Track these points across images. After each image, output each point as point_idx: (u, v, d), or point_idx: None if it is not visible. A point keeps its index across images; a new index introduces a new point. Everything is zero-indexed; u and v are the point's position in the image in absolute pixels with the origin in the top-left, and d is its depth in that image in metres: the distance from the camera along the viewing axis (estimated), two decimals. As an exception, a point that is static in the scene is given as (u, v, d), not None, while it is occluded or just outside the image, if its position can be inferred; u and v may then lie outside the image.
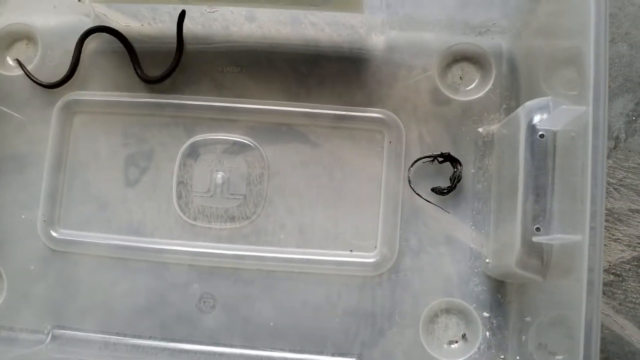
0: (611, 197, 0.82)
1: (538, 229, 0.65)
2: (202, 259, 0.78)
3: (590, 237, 0.57)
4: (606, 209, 0.75)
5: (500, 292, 0.76)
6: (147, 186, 0.80)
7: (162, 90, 0.81)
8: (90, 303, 0.79)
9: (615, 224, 0.82)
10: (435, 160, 0.78)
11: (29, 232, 0.80)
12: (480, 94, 0.80)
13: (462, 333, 0.77)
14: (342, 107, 0.80)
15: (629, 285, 0.81)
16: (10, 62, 0.83)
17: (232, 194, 0.79)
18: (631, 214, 0.82)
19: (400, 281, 0.77)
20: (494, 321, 0.76)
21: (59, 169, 0.81)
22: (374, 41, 0.81)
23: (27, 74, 0.81)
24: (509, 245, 0.68)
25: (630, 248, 0.81)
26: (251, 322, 0.78)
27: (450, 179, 0.78)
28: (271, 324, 0.77)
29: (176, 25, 0.80)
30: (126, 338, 0.78)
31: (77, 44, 0.81)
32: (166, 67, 0.81)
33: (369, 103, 0.80)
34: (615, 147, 0.83)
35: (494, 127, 0.78)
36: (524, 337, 0.72)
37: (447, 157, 0.78)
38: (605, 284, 0.80)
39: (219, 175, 0.80)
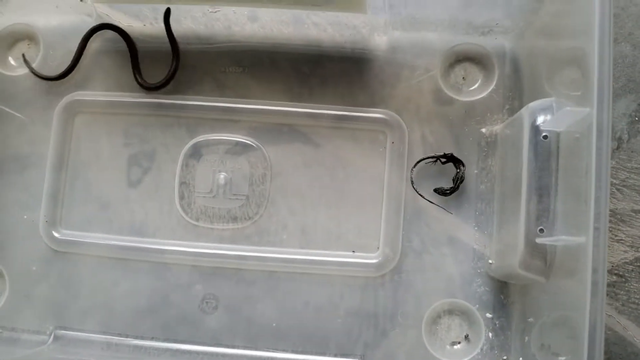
0: (614, 197, 0.82)
1: (541, 230, 0.64)
2: (204, 259, 0.78)
3: (594, 238, 0.57)
4: (609, 210, 0.75)
5: (503, 293, 0.76)
6: (150, 186, 0.80)
7: (164, 90, 0.81)
8: (92, 304, 0.78)
9: (618, 225, 0.82)
10: (438, 160, 0.78)
11: (30, 232, 0.80)
12: (483, 95, 0.80)
13: (464, 334, 0.77)
14: (345, 107, 0.80)
15: (631, 286, 0.81)
16: (12, 62, 0.83)
17: (234, 195, 0.79)
18: (634, 214, 0.82)
19: (403, 282, 0.77)
20: (497, 322, 0.76)
21: (60, 169, 0.80)
22: (376, 41, 0.81)
23: (31, 69, 0.81)
24: (512, 246, 0.68)
25: (633, 249, 0.81)
26: (254, 322, 0.77)
27: (453, 180, 0.78)
28: (274, 324, 0.77)
29: (165, 28, 0.80)
30: (128, 339, 0.78)
31: (82, 38, 0.81)
32: (168, 67, 0.80)
33: (371, 103, 0.80)
34: (618, 148, 0.83)
35: (497, 128, 0.78)
36: (526, 338, 0.72)
37: (450, 158, 0.78)
38: (608, 285, 0.79)
39: (222, 175, 0.80)
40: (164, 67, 0.81)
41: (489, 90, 0.80)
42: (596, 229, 0.58)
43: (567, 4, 0.69)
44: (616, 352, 0.80)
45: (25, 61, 0.81)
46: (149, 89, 0.81)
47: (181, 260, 0.78)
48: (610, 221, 0.80)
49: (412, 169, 0.78)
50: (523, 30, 0.79)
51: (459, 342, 0.77)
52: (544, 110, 0.66)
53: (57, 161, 0.80)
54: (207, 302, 0.78)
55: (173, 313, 0.78)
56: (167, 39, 0.81)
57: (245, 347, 0.77)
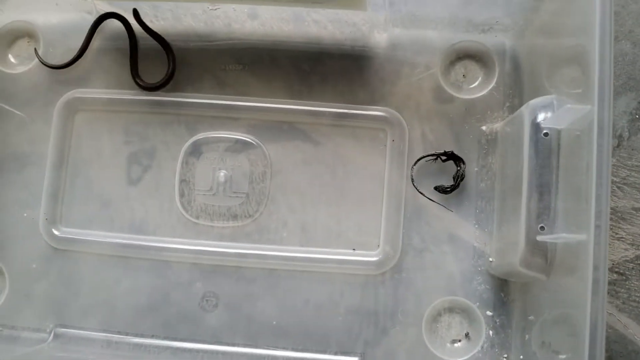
0: (614, 195, 0.82)
1: (542, 228, 0.64)
2: (204, 257, 0.78)
3: (595, 236, 0.57)
4: (610, 208, 0.75)
5: (503, 290, 0.76)
6: (150, 184, 0.80)
7: (164, 88, 0.81)
8: (92, 302, 0.78)
9: (619, 223, 0.82)
10: (439, 158, 0.78)
11: (31, 230, 0.80)
12: (484, 92, 0.80)
13: (465, 332, 0.77)
14: (345, 105, 0.80)
15: (632, 284, 0.81)
16: (12, 59, 0.83)
17: (234, 192, 0.79)
18: (635, 212, 0.82)
19: (403, 280, 0.77)
20: (497, 320, 0.76)
21: (60, 167, 0.80)
22: (376, 39, 0.81)
23: (40, 60, 0.81)
24: (512, 244, 0.68)
25: (634, 247, 0.81)
26: (254, 320, 0.77)
27: (454, 178, 0.78)
28: (274, 322, 0.77)
29: (143, 28, 0.80)
30: (128, 337, 0.78)
31: (90, 28, 0.81)
32: (167, 65, 0.80)
33: (371, 101, 0.80)
34: (618, 146, 0.83)
35: (498, 126, 0.78)
36: (527, 336, 0.72)
37: (450, 156, 0.78)
38: (608, 283, 0.80)
39: (222, 173, 0.80)
40: (164, 65, 0.81)
41: (490, 88, 0.80)
42: (597, 226, 0.57)
43: (568, 2, 0.69)
44: (617, 350, 0.80)
45: (36, 52, 0.81)
46: (147, 88, 0.80)
47: (181, 258, 0.78)
48: (611, 219, 0.80)
49: (412, 167, 0.78)
50: (523, 28, 0.79)
51: (460, 340, 0.77)
52: (545, 107, 0.66)
53: (57, 159, 0.80)
54: (207, 300, 0.78)
55: (173, 311, 0.78)
56: (167, 37, 0.81)
57: (245, 345, 0.77)
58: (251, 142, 0.80)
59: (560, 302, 0.66)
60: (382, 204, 0.78)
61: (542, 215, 0.65)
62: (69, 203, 0.80)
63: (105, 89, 0.82)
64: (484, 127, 0.79)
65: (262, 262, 0.78)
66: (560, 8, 0.71)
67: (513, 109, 0.78)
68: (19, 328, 0.78)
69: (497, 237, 0.76)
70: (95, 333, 0.78)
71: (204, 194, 0.79)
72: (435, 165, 0.79)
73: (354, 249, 0.78)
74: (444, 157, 0.78)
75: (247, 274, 0.78)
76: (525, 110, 0.68)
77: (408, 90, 0.80)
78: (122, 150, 0.81)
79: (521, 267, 0.66)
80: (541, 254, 0.65)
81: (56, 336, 0.78)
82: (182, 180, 0.80)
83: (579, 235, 0.60)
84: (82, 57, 0.81)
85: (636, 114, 0.84)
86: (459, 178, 0.77)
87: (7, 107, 0.82)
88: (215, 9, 0.80)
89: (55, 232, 0.79)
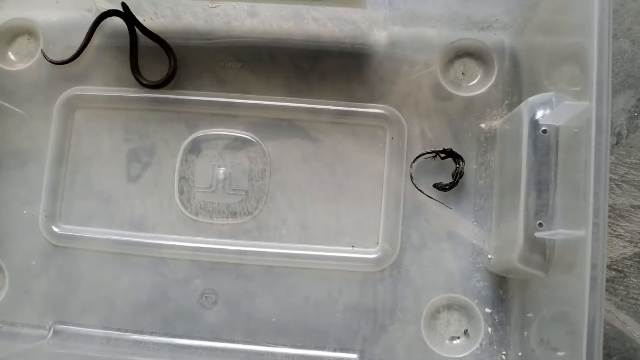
0: (613, 193, 0.82)
1: (540, 225, 0.65)
2: (204, 254, 0.78)
3: (593, 233, 0.57)
4: (608, 205, 0.75)
5: (502, 287, 0.76)
6: (149, 181, 0.80)
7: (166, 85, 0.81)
8: (91, 298, 0.79)
9: (617, 220, 0.82)
10: (438, 156, 0.78)
11: (30, 227, 0.80)
12: (483, 90, 0.80)
13: (464, 329, 0.77)
14: (344, 102, 0.80)
15: (630, 282, 0.81)
16: (12, 57, 0.84)
17: (234, 190, 0.79)
18: (633, 210, 0.82)
19: (402, 277, 0.77)
20: (496, 317, 0.76)
21: (60, 164, 0.81)
22: (376, 37, 0.81)
23: (45, 57, 0.81)
24: (511, 241, 0.68)
25: (632, 244, 0.81)
26: (253, 317, 0.78)
27: (453, 175, 0.78)
28: (273, 319, 0.77)
29: (139, 28, 0.81)
30: (128, 333, 0.78)
31: (92, 24, 0.81)
32: (168, 62, 0.80)
33: (370, 99, 0.80)
34: (617, 144, 0.83)
35: (497, 123, 0.78)
36: (525, 333, 0.72)
37: (449, 153, 0.78)
38: (607, 280, 0.79)
39: (221, 170, 0.80)
40: (164, 62, 0.81)
41: (488, 85, 0.80)
42: (595, 224, 0.58)
43: (566, 0, 0.69)
44: (615, 347, 0.80)
45: (43, 53, 0.81)
46: (149, 86, 0.81)
47: (181, 255, 0.78)
48: (609, 216, 0.81)
49: (411, 164, 0.78)
50: (522, 25, 0.79)
51: (458, 337, 0.77)
52: (544, 104, 0.66)
53: (56, 156, 0.80)
54: (206, 297, 0.78)
55: (172, 308, 0.78)
56: (167, 34, 0.81)
57: (244, 342, 0.77)
58: (250, 140, 0.80)
59: (559, 299, 0.67)
60: (381, 201, 0.79)
61: (541, 212, 0.65)
62: (68, 200, 0.80)
63: (105, 86, 0.82)
64: (482, 125, 0.79)
65: (261, 259, 0.78)
66: (559, 6, 0.72)
67: (512, 106, 0.78)
68: (18, 324, 0.78)
69: (496, 234, 0.76)
70: (95, 330, 0.78)
71: (204, 191, 0.79)
72: (434, 162, 0.79)
73: (353, 246, 0.78)
74: (442, 155, 0.78)
75: (246, 271, 0.78)
76: (524, 107, 0.68)
77: (407, 88, 0.80)
78: (121, 147, 0.81)
79: (520, 264, 0.66)
80: (539, 251, 0.65)
81: (55, 333, 0.78)
82: (181, 178, 0.80)
83: (577, 231, 0.60)
84: (81, 54, 0.81)
85: (635, 112, 0.84)
86: (457, 175, 0.77)
87: (7, 104, 0.82)
88: (215, 7, 0.80)
89: (55, 229, 0.80)
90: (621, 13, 0.86)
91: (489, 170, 0.78)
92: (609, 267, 0.81)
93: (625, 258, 0.81)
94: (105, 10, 0.81)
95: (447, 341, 0.77)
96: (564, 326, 0.64)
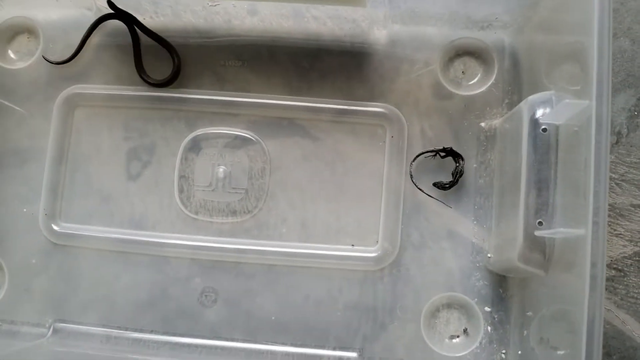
0: (613, 192, 0.82)
1: (540, 223, 0.65)
2: (203, 252, 0.78)
3: (593, 231, 0.57)
4: (608, 204, 0.75)
5: (502, 286, 0.76)
6: (149, 180, 0.80)
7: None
8: (91, 297, 0.79)
9: (617, 219, 0.82)
10: (437, 154, 0.78)
11: (30, 225, 0.80)
12: (483, 89, 0.80)
13: (463, 328, 0.77)
14: (344, 101, 0.80)
15: (630, 281, 0.81)
16: (12, 55, 0.84)
17: (233, 188, 0.79)
18: (633, 209, 0.82)
19: (402, 276, 0.77)
20: (496, 316, 0.76)
21: (60, 162, 0.80)
22: (376, 35, 0.81)
23: (45, 59, 0.81)
24: (511, 240, 0.68)
25: (632, 243, 0.81)
26: (253, 316, 0.78)
27: (453, 174, 0.78)
28: (273, 318, 0.77)
29: (140, 29, 0.81)
30: (128, 332, 0.78)
31: (90, 26, 0.81)
32: (170, 60, 0.80)
33: (370, 97, 0.80)
34: (617, 142, 0.83)
35: (497, 122, 0.78)
36: (525, 332, 0.72)
37: (449, 152, 0.78)
38: (607, 279, 0.79)
39: (221, 169, 0.80)
40: (165, 61, 0.81)
41: (489, 84, 0.80)
42: (595, 223, 0.58)
43: (567, -2, 0.69)
44: (615, 346, 0.80)
45: (44, 57, 0.82)
46: (154, 85, 0.80)
47: (180, 253, 0.78)
48: (609, 215, 0.81)
49: (411, 163, 0.78)
50: (522, 24, 0.79)
51: (458, 336, 0.77)
52: (544, 103, 0.66)
53: (56, 154, 0.80)
54: (206, 296, 0.78)
55: (172, 306, 0.78)
56: (168, 32, 0.81)
57: (244, 341, 0.77)
58: (250, 138, 0.80)
59: (559, 298, 0.67)
60: (381, 200, 0.79)
61: (541, 211, 0.65)
62: (68, 198, 0.80)
63: (104, 84, 0.82)
64: (482, 124, 0.79)
65: (261, 257, 0.78)
66: (559, 5, 0.72)
67: (512, 105, 0.78)
68: (18, 323, 0.78)
69: (496, 233, 0.76)
70: (95, 328, 0.78)
71: (203, 190, 0.79)
72: (434, 161, 0.79)
73: (352, 245, 0.78)
74: (442, 154, 0.78)
75: (246, 269, 0.78)
76: (524, 106, 0.68)
77: (407, 86, 0.80)
78: (121, 145, 0.81)
79: (519, 263, 0.66)
80: (539, 250, 0.65)
81: (55, 331, 0.78)
82: (181, 176, 0.80)
83: (577, 230, 0.60)
84: (81, 53, 0.81)
85: (635, 111, 0.84)
86: (457, 174, 0.77)
87: (7, 102, 0.82)
88: (215, 6, 0.80)
89: (55, 227, 0.80)
90: (621, 12, 0.86)
91: (489, 169, 0.78)
92: (608, 266, 0.81)
93: (625, 257, 0.81)
94: (103, 14, 0.81)
95: (447, 340, 0.77)
96: (563, 325, 0.64)
